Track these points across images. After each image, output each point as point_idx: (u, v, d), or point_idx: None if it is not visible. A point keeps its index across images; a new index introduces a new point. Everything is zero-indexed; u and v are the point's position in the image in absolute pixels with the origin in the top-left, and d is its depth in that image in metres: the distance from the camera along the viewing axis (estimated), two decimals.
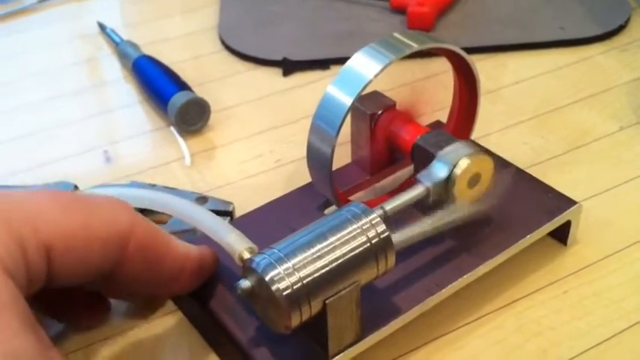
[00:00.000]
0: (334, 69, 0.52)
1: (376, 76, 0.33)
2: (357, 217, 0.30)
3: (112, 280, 0.31)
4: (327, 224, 0.29)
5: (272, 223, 0.37)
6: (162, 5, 0.63)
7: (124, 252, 0.30)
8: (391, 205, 0.32)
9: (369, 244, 0.29)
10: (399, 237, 0.31)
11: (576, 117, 0.46)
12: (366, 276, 0.29)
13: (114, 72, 0.54)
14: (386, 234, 0.29)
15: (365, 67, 0.33)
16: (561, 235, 0.37)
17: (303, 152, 0.35)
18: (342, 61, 0.46)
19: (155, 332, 0.35)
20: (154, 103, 0.49)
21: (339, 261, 0.28)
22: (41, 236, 0.27)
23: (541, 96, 0.49)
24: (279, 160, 0.44)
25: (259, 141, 0.46)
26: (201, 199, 0.40)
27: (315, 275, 0.28)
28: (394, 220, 0.31)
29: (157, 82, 0.49)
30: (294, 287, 0.27)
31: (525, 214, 0.36)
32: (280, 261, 0.28)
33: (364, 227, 0.29)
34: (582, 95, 0.48)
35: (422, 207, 0.33)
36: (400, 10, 0.56)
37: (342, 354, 0.30)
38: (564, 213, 0.36)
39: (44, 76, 0.54)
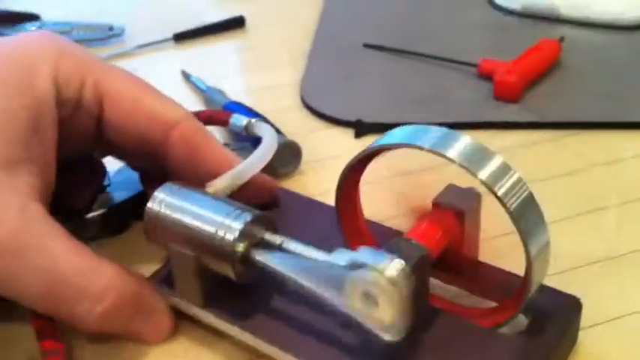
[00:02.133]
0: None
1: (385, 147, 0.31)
2: (229, 215, 0.31)
3: (159, 165, 0.36)
4: (217, 204, 0.32)
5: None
6: (249, 60, 0.63)
7: (167, 136, 0.35)
8: (294, 245, 0.31)
9: (214, 239, 0.31)
10: (259, 261, 0.31)
11: None
12: (204, 260, 0.32)
13: None
14: (229, 243, 0.31)
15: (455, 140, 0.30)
16: None
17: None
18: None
19: None
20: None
21: (187, 228, 0.32)
22: (100, 85, 0.34)
23: (634, 180, 0.44)
24: None
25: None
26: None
27: (168, 219, 0.32)
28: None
29: None
30: (152, 211, 0.33)
31: None
32: (167, 192, 0.33)
33: (223, 224, 0.31)
34: None
35: None
36: (488, 77, 0.54)
37: (185, 302, 0.34)
38: None
39: None
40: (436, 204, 0.33)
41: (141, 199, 0.38)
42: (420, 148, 0.29)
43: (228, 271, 0.31)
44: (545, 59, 0.55)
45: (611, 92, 0.52)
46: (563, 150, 0.47)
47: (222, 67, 0.63)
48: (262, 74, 0.61)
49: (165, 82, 0.60)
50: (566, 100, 0.52)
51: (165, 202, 0.33)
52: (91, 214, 0.40)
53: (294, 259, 0.30)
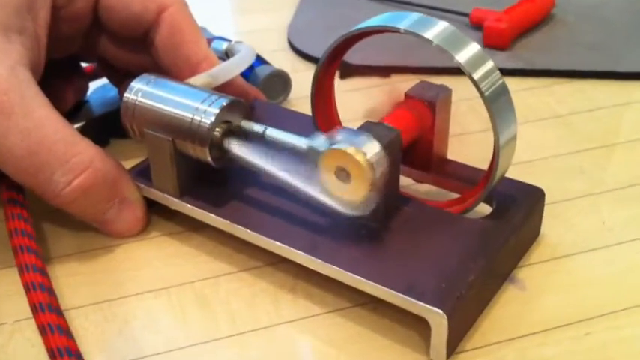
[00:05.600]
0: (395, 77, 0.49)
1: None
2: (205, 101, 0.32)
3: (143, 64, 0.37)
4: (194, 92, 0.33)
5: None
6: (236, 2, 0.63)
7: (158, 16, 0.36)
8: (272, 132, 0.31)
9: (189, 122, 0.31)
10: (235, 149, 0.31)
11: None
12: (180, 145, 0.32)
13: None
14: (203, 126, 0.31)
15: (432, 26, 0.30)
16: None
17: None
18: (404, 70, 0.44)
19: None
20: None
21: (162, 113, 0.32)
22: None
23: (613, 127, 0.44)
24: None
25: None
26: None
27: (143, 106, 0.33)
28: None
29: None
30: (129, 101, 0.33)
31: (403, 268, 0.30)
32: (144, 82, 0.33)
33: (199, 109, 0.31)
34: None
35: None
36: (478, 27, 0.53)
37: (160, 193, 0.34)
38: (415, 301, 0.28)
39: None
40: (409, 95, 0.33)
41: (119, 115, 0.37)
42: (397, 31, 0.29)
43: (204, 155, 0.32)
44: (537, 11, 0.54)
45: (601, 44, 0.52)
46: (549, 97, 0.47)
47: (207, 10, 0.62)
48: (249, 17, 0.60)
49: None
50: (556, 50, 0.52)
51: (142, 90, 0.33)
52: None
53: (268, 149, 0.31)
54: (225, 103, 0.31)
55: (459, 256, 0.30)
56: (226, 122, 0.32)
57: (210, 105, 0.31)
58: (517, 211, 0.32)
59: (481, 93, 0.28)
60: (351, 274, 0.29)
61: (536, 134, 0.43)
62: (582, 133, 0.43)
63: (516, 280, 0.32)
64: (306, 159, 0.30)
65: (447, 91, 0.33)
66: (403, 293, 0.28)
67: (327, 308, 0.31)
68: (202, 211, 0.33)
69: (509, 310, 0.31)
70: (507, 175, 0.33)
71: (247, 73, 0.46)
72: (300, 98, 0.47)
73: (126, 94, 0.33)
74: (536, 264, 0.33)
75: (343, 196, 0.29)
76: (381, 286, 0.28)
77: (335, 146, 0.28)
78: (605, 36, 0.53)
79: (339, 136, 0.29)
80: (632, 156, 0.41)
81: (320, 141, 0.29)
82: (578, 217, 0.36)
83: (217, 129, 0.31)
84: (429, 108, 0.33)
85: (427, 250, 0.30)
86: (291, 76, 0.47)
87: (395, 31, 0.29)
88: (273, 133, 0.31)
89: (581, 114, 0.45)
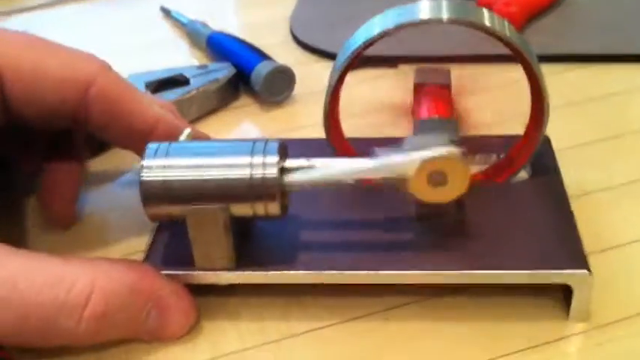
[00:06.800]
0: (402, 68, 0.48)
1: (420, 22, 0.29)
2: (256, 152, 0.28)
3: (84, 127, 0.32)
4: (226, 146, 0.29)
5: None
6: None
7: (83, 97, 0.31)
8: (324, 163, 0.29)
9: (248, 180, 0.28)
10: (297, 182, 0.28)
11: None
12: (238, 209, 0.28)
13: (183, 53, 0.52)
14: (272, 180, 0.28)
15: (420, 11, 0.30)
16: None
17: None
18: (411, 59, 0.43)
19: None
20: None
21: (209, 181, 0.28)
22: None
23: (632, 114, 0.42)
24: None
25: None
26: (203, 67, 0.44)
27: (180, 181, 0.28)
28: None
29: (238, 54, 0.47)
30: (154, 182, 0.28)
31: (518, 250, 0.29)
32: (161, 155, 0.29)
33: (254, 163, 0.28)
34: None
35: None
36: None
37: (209, 272, 0.29)
38: (558, 272, 0.28)
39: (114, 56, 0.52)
40: (419, 84, 0.34)
41: None
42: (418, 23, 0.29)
43: (274, 210, 0.28)
44: None
45: (617, 24, 0.50)
46: (562, 83, 0.45)
47: (206, 3, 0.61)
48: (250, 10, 0.59)
49: (143, 20, 0.60)
50: (569, 34, 0.50)
51: (164, 166, 0.28)
52: None
53: (324, 168, 0.29)
54: (277, 147, 0.29)
55: (547, 217, 0.30)
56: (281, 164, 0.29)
57: (263, 155, 0.28)
58: (551, 164, 0.33)
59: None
60: (476, 271, 0.28)
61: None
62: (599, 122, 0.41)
63: None
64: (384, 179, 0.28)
65: (448, 72, 0.34)
66: (540, 269, 0.28)
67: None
68: (273, 272, 0.29)
69: None
70: None
71: (249, 71, 0.45)
72: (305, 94, 0.46)
73: (145, 177, 0.28)
74: None
75: (439, 199, 0.28)
76: (513, 271, 0.28)
77: (430, 152, 0.27)
78: (620, 17, 0.51)
79: (414, 143, 0.28)
80: None
81: (400, 159, 0.28)
82: (596, 212, 0.34)
83: (282, 176, 0.28)
84: (447, 90, 0.33)
85: (516, 223, 0.30)
86: (295, 70, 0.46)
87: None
88: (323, 163, 0.29)
89: (597, 100, 0.43)
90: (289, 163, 0.29)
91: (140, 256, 0.31)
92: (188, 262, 0.29)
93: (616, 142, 0.40)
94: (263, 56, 0.46)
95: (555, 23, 0.51)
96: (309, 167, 0.29)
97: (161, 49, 0.53)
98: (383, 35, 0.30)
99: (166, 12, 0.56)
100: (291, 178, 0.28)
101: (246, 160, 0.28)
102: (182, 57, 0.52)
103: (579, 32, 0.50)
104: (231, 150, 0.29)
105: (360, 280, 0.29)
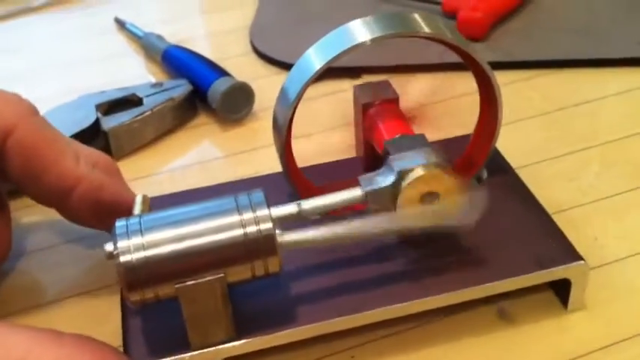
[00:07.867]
0: (366, 78, 0.46)
1: (355, 47, 0.29)
2: (243, 208, 0.26)
3: (4, 178, 0.30)
4: (207, 207, 0.27)
5: None
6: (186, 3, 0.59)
7: (1, 148, 0.28)
8: (311, 204, 0.27)
9: (243, 240, 0.26)
10: (293, 237, 0.26)
11: None
12: (235, 273, 0.26)
13: (137, 67, 0.50)
14: (268, 234, 0.26)
15: (353, 34, 0.30)
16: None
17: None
18: (375, 69, 0.41)
19: None
20: None
21: (200, 250, 0.25)
22: None
23: (605, 122, 0.41)
24: None
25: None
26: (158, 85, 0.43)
27: (166, 258, 0.25)
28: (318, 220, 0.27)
29: (194, 70, 0.44)
30: (136, 264, 0.25)
31: (510, 256, 0.29)
32: (135, 233, 0.26)
33: (245, 220, 0.26)
34: None
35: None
36: (452, 16, 0.49)
37: (208, 349, 0.27)
38: (557, 268, 0.28)
39: (66, 70, 0.50)
40: (367, 104, 0.33)
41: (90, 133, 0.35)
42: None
43: (274, 266, 0.26)
44: None
45: (586, 28, 0.48)
46: (532, 91, 0.44)
47: (161, 12, 0.58)
48: (207, 18, 0.57)
49: (97, 32, 0.58)
50: (536, 38, 0.48)
51: (140, 244, 0.25)
52: None
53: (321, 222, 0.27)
54: (264, 198, 0.26)
55: (520, 213, 0.31)
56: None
57: (251, 208, 0.26)
58: (507, 169, 0.34)
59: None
60: (477, 286, 0.28)
61: (520, 137, 0.40)
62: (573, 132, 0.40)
63: None
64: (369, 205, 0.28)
65: (390, 86, 0.34)
66: (538, 270, 0.28)
67: None
68: (275, 334, 0.27)
69: None
70: None
71: (206, 88, 0.43)
72: (266, 109, 0.44)
73: (123, 260, 0.25)
74: None
75: (438, 219, 0.28)
76: (512, 279, 0.28)
77: (413, 173, 0.27)
78: (589, 19, 0.50)
79: (400, 165, 0.27)
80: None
81: (383, 180, 0.27)
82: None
83: (276, 229, 0.26)
84: (395, 104, 0.33)
85: (498, 224, 0.30)
86: (255, 83, 0.44)
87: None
88: (310, 204, 0.27)
89: (569, 109, 0.42)
90: (278, 211, 0.27)
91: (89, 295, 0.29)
92: (179, 345, 0.26)
93: (588, 154, 0.38)
94: (220, 72, 0.43)
95: (522, 27, 0.49)
96: (300, 211, 0.27)
97: (115, 63, 0.51)
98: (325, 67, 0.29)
99: (121, 24, 0.54)
100: (288, 237, 0.26)
101: (235, 218, 0.26)
102: (137, 71, 0.49)
103: (548, 36, 0.48)
104: (214, 210, 0.26)
105: (370, 320, 0.28)
